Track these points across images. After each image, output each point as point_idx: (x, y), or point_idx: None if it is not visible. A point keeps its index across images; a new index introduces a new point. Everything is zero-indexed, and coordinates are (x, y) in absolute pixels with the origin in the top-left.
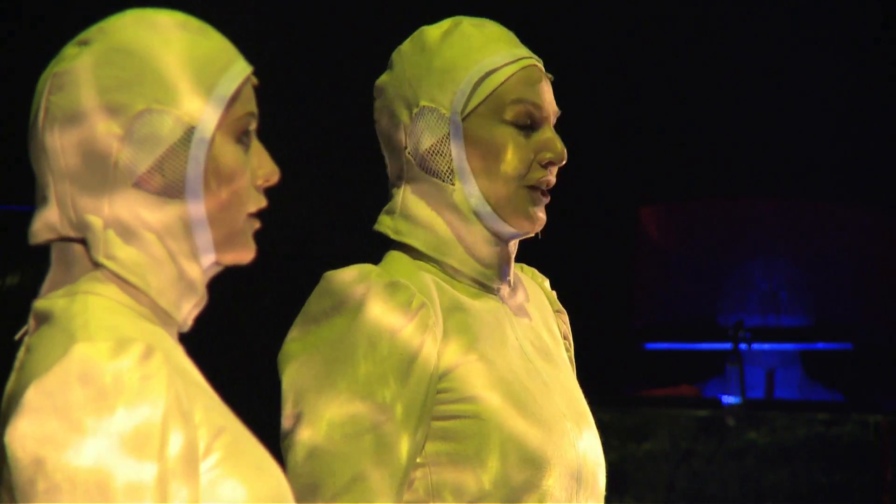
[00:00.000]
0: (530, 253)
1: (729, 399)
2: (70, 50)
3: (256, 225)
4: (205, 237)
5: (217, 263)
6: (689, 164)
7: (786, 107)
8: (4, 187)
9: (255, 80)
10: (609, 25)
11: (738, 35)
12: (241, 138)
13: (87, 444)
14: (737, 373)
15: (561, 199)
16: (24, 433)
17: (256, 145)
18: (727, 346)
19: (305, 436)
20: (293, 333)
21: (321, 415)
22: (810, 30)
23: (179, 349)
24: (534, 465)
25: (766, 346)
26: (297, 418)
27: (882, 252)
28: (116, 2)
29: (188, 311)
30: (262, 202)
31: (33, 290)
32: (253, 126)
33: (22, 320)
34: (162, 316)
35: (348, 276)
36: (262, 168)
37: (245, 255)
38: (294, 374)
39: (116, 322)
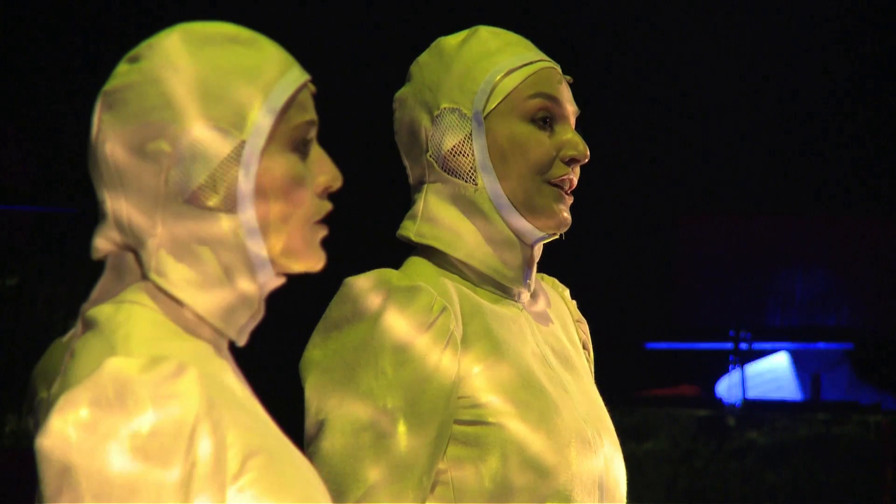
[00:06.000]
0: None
1: (729, 399)
2: (121, 67)
3: (323, 232)
4: (259, 250)
5: (281, 275)
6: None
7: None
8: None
9: (312, 88)
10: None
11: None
12: (299, 147)
13: (113, 455)
14: (737, 373)
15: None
16: (54, 440)
17: (317, 152)
18: (728, 345)
19: (328, 442)
20: (315, 340)
21: (343, 421)
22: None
23: (226, 366)
24: (536, 470)
25: (766, 346)
26: (321, 425)
27: (882, 253)
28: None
29: (243, 324)
30: (326, 208)
31: (32, 291)
32: (312, 134)
33: (23, 320)
34: (210, 332)
35: (368, 282)
36: (322, 175)
37: (312, 263)
38: (317, 382)
39: (158, 336)
